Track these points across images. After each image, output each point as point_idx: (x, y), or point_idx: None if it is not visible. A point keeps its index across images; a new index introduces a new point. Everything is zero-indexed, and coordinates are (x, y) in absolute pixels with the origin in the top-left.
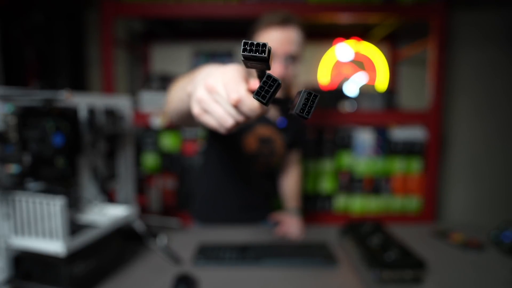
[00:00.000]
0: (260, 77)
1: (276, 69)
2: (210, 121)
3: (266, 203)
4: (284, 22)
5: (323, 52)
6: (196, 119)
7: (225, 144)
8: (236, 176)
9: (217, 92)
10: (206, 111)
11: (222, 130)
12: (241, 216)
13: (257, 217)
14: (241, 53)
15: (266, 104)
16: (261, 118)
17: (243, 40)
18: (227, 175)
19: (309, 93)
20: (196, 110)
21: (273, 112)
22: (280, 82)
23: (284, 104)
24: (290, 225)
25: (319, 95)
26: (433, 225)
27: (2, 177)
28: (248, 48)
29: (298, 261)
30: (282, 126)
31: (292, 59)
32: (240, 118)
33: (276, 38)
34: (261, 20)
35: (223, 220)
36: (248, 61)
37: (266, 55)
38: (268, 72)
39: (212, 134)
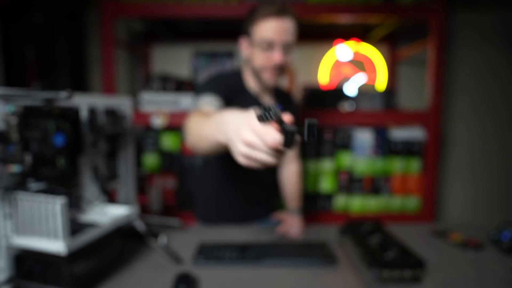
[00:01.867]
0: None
1: (276, 57)
2: (257, 165)
3: (270, 199)
4: (280, 12)
5: (323, 52)
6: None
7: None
8: (237, 171)
9: (255, 144)
10: (252, 160)
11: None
12: (245, 212)
13: (261, 212)
14: (259, 120)
15: (291, 148)
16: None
17: (257, 112)
18: (228, 172)
19: (310, 124)
20: (243, 161)
21: (268, 100)
22: (295, 131)
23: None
24: (291, 225)
25: (317, 122)
26: (432, 224)
27: (3, 177)
28: (263, 115)
29: (298, 260)
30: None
31: (288, 47)
32: (278, 155)
33: (274, 28)
34: (257, 10)
35: (228, 219)
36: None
37: (279, 117)
38: (285, 126)
39: None
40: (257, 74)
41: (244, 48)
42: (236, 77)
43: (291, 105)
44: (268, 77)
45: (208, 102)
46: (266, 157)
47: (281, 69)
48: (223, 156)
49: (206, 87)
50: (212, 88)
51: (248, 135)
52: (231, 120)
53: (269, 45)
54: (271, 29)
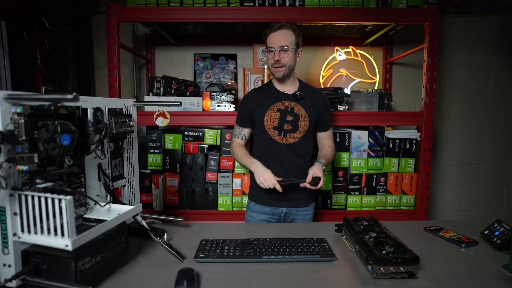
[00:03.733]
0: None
1: (276, 57)
2: (262, 186)
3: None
4: (278, 28)
5: (320, 54)
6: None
7: (255, 128)
8: (269, 153)
9: (264, 180)
10: (263, 184)
11: (263, 188)
12: (284, 195)
13: (297, 197)
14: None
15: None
16: (278, 97)
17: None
18: (261, 155)
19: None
20: (259, 183)
21: (288, 88)
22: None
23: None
24: (316, 170)
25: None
26: (426, 222)
27: (12, 176)
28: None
29: (297, 256)
30: (299, 97)
31: (285, 50)
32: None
33: (272, 39)
34: (266, 31)
35: (272, 198)
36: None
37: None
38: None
39: (254, 130)
40: (270, 70)
41: (265, 57)
42: (267, 83)
43: (317, 98)
44: (274, 71)
45: (238, 134)
46: (269, 186)
47: (286, 66)
48: (258, 142)
49: (238, 115)
50: (241, 114)
51: (262, 177)
52: (257, 165)
53: (271, 50)
54: (271, 39)
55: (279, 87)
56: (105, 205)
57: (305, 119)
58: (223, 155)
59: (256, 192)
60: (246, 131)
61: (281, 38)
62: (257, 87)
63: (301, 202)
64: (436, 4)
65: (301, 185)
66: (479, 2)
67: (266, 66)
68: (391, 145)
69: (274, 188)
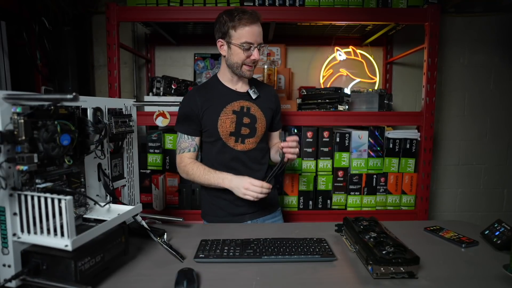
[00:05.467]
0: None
1: (255, 55)
2: (250, 198)
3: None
4: (256, 20)
5: (320, 54)
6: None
7: (205, 135)
8: (224, 164)
9: (249, 189)
10: (250, 195)
11: (252, 199)
12: (246, 209)
13: (259, 206)
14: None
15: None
16: (230, 96)
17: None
18: (213, 167)
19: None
20: (243, 196)
21: (240, 85)
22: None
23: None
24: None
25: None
26: (426, 222)
27: (11, 175)
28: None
29: (297, 256)
30: (255, 95)
31: (262, 47)
32: (260, 194)
33: (254, 33)
34: (232, 17)
35: (232, 213)
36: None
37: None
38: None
39: (203, 138)
40: (234, 68)
41: (222, 49)
42: (211, 80)
43: (270, 94)
44: (246, 70)
45: (188, 146)
46: (255, 195)
47: (256, 63)
48: (209, 151)
49: (179, 122)
50: (186, 121)
51: (246, 185)
52: (229, 178)
53: (248, 47)
54: (251, 33)
55: (229, 84)
56: (105, 205)
57: (262, 120)
58: None
59: (211, 211)
60: (197, 141)
61: (261, 32)
62: (198, 84)
63: (265, 210)
64: (436, 4)
65: (286, 159)
66: (479, 2)
67: (266, 66)
68: (391, 145)
69: (231, 200)
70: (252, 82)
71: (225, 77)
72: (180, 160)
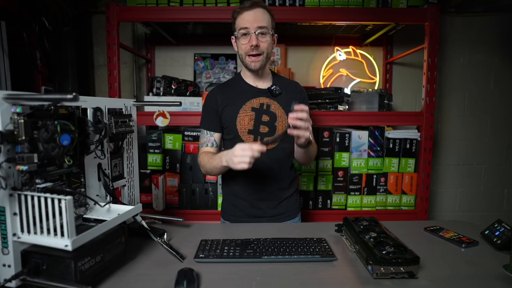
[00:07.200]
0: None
1: (253, 41)
2: (244, 165)
3: (289, 194)
4: (251, 5)
5: (320, 53)
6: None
7: (224, 132)
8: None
9: (240, 155)
10: (243, 162)
11: (246, 166)
12: (264, 211)
13: (283, 212)
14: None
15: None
16: (251, 93)
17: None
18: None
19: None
20: (238, 166)
21: (262, 81)
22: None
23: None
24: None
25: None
26: (426, 222)
27: (11, 176)
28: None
29: (297, 256)
30: (276, 93)
31: (262, 32)
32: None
33: (247, 18)
34: (234, 11)
35: (249, 214)
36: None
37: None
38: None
39: (224, 135)
40: (242, 62)
41: (234, 46)
42: (234, 77)
43: (295, 90)
44: (249, 61)
45: (206, 141)
46: (247, 158)
47: (264, 54)
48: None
49: (202, 118)
50: (207, 117)
51: (236, 151)
52: (226, 153)
53: (245, 33)
54: (245, 19)
55: (251, 81)
56: (104, 205)
57: (283, 118)
58: None
59: (230, 210)
60: (217, 136)
61: (258, 17)
62: (220, 82)
63: (284, 216)
64: (436, 4)
65: (289, 132)
66: (479, 2)
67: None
68: (391, 145)
69: (250, 201)
70: (276, 79)
71: (246, 74)
72: (198, 154)
